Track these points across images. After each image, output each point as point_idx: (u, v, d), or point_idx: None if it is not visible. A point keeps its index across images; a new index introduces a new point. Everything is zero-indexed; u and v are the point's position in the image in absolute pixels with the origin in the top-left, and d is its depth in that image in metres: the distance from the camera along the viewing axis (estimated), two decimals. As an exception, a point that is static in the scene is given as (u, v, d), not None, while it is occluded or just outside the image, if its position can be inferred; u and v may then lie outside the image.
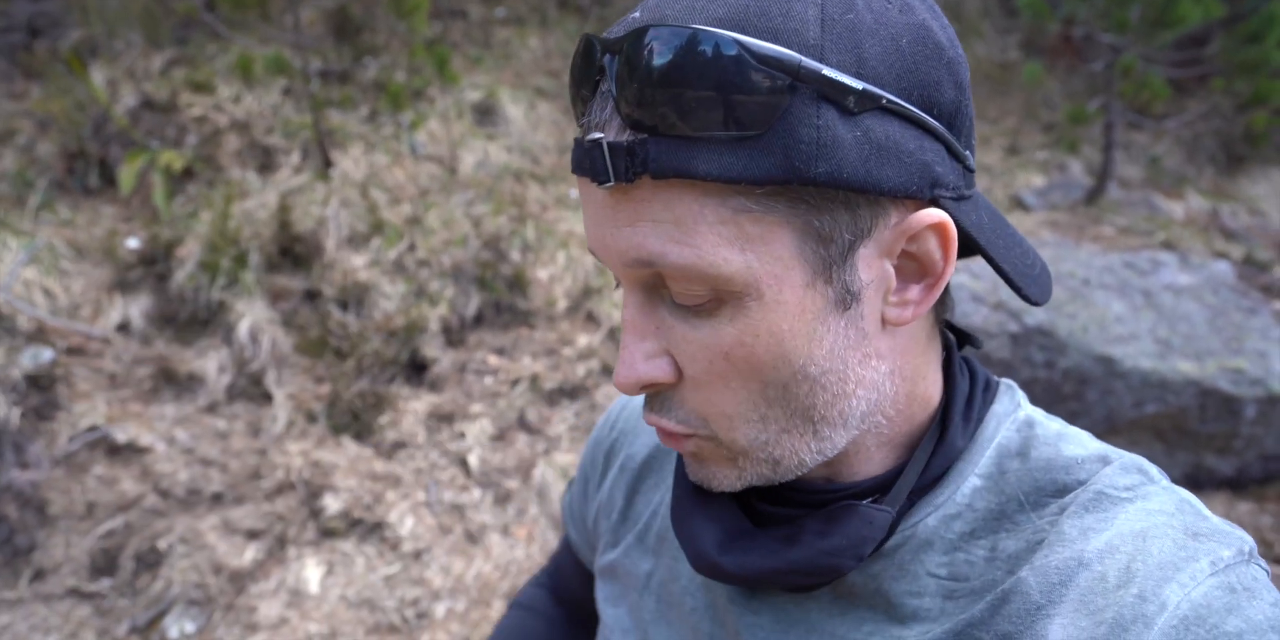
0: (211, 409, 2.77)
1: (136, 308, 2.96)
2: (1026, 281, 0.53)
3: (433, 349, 3.04)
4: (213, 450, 2.62)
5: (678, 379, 0.51)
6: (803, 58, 0.43)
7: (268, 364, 2.88)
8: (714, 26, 0.43)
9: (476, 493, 2.66)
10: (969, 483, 0.55)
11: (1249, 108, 4.40)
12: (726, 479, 0.55)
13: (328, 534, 2.48)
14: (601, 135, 0.46)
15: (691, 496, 0.59)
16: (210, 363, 2.83)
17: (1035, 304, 0.54)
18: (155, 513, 2.43)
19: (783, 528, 0.56)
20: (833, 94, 0.43)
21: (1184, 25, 3.69)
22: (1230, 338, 2.93)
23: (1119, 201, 4.05)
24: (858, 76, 0.44)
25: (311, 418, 2.80)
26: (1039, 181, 4.35)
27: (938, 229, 0.49)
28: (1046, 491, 0.54)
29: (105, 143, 3.58)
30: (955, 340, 0.62)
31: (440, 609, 2.33)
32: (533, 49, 5.01)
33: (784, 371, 0.49)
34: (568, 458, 2.77)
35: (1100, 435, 2.86)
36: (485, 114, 4.32)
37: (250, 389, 2.85)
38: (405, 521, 2.53)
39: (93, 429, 2.56)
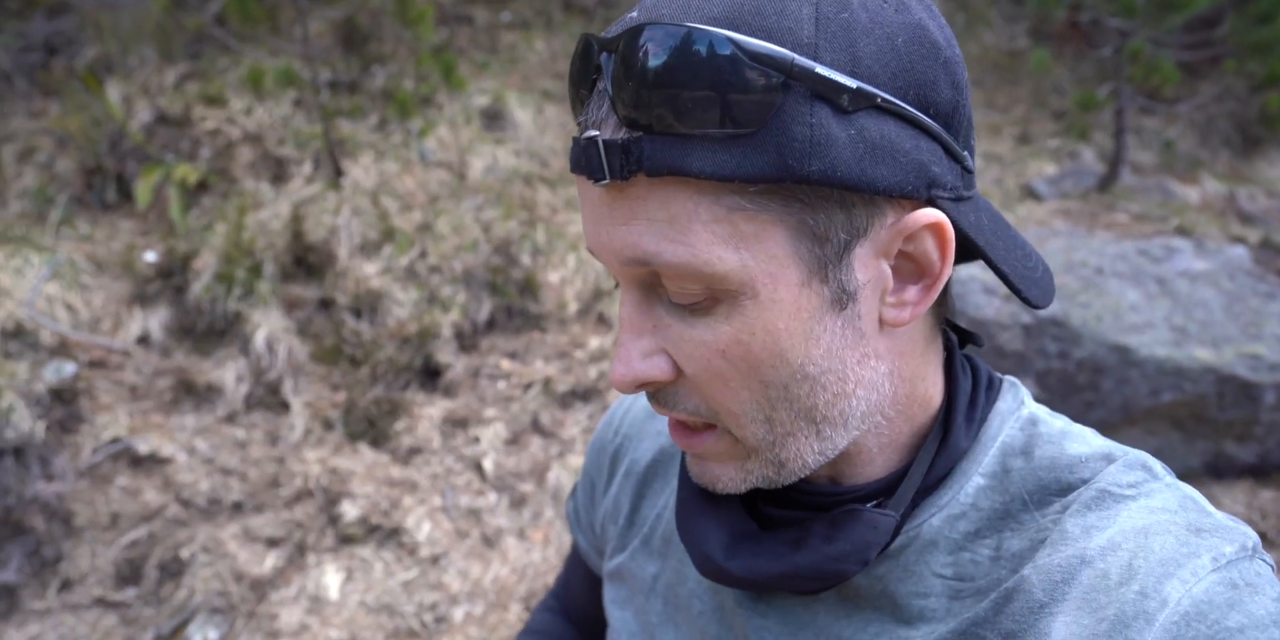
0: (230, 418, 2.81)
1: (155, 320, 3.01)
2: (1027, 284, 0.53)
3: (446, 354, 3.07)
4: (232, 459, 2.66)
5: (676, 377, 0.51)
6: (796, 56, 0.43)
7: (284, 373, 2.92)
8: (709, 25, 0.43)
9: (492, 497, 2.69)
10: (973, 482, 0.55)
11: (1263, 89, 4.34)
12: (731, 480, 0.55)
13: (346, 540, 2.52)
14: (598, 133, 0.46)
15: (697, 499, 0.60)
16: (228, 373, 2.87)
17: (1036, 307, 0.54)
18: (177, 522, 2.48)
19: (788, 531, 0.56)
20: (826, 92, 0.43)
21: (1192, 8, 3.65)
22: (1248, 323, 2.90)
23: (1132, 188, 4.01)
24: (852, 75, 0.44)
25: (328, 425, 2.83)
26: (1051, 170, 4.31)
27: (934, 229, 0.49)
28: (1050, 490, 0.54)
29: (122, 158, 3.64)
30: (957, 339, 0.62)
31: (459, 613, 2.35)
32: (539, 52, 5.04)
33: (782, 371, 0.49)
34: (582, 460, 2.78)
35: (1117, 425, 2.84)
36: (493, 118, 4.35)
37: (268, 398, 2.89)
38: (422, 527, 2.56)
39: (115, 440, 2.61)
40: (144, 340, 2.98)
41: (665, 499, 0.71)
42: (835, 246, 0.47)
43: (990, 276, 3.01)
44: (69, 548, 2.38)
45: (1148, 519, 0.49)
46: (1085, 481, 0.53)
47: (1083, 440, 0.56)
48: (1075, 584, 0.48)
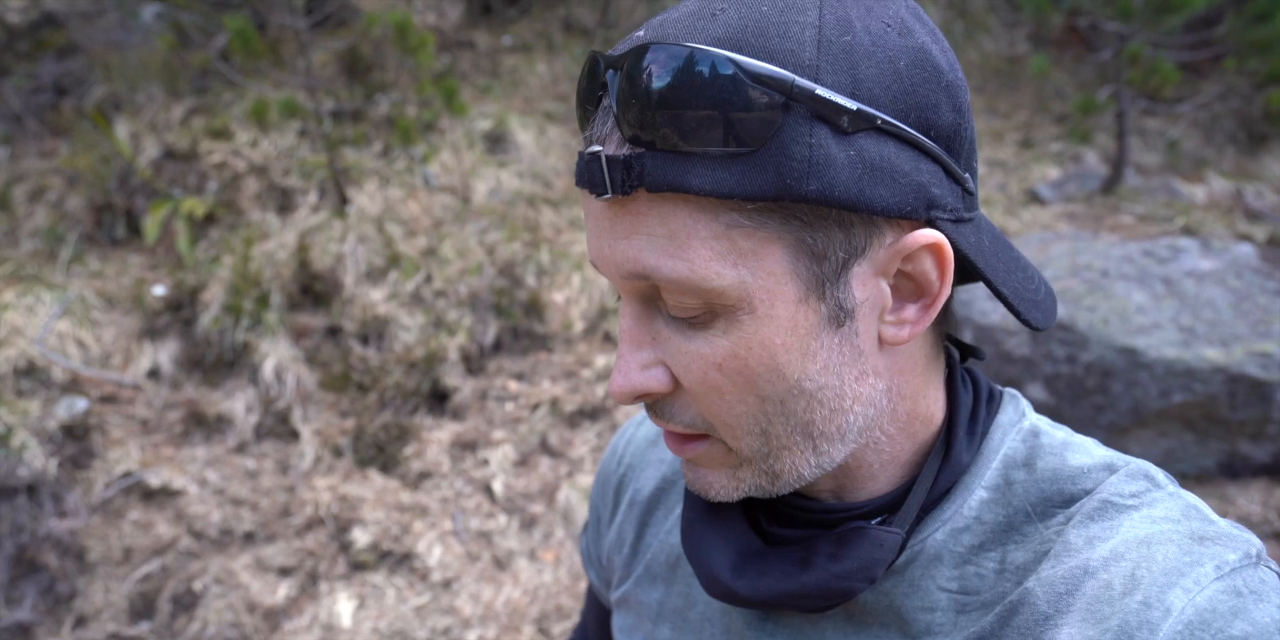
0: (241, 449, 2.83)
1: (165, 354, 3.05)
2: (1027, 306, 0.53)
3: (453, 378, 3.09)
4: (243, 490, 2.68)
5: (674, 389, 0.52)
6: (796, 77, 0.44)
7: (293, 401, 2.94)
8: (712, 45, 0.44)
9: (502, 519, 2.69)
10: (976, 496, 0.55)
11: (1266, 86, 4.31)
12: (723, 488, 0.55)
13: (358, 567, 2.52)
14: (601, 148, 0.47)
15: (702, 520, 0.60)
16: (238, 403, 2.90)
17: (1036, 329, 0.54)
18: (190, 555, 2.49)
19: (794, 550, 0.56)
20: (826, 113, 0.44)
21: (1189, 9, 3.64)
22: (1257, 321, 2.87)
23: (1137, 189, 3.99)
24: (853, 97, 0.45)
25: (338, 452, 2.85)
26: (1054, 174, 4.30)
27: (933, 249, 0.49)
28: (1053, 502, 0.54)
29: (130, 194, 3.70)
30: (958, 354, 0.62)
31: (471, 637, 2.35)
32: (540, 75, 5.08)
33: (779, 386, 0.50)
34: (591, 479, 2.79)
35: (1128, 428, 2.81)
36: (496, 142, 4.39)
37: (277, 427, 2.91)
38: (433, 551, 2.56)
39: (127, 475, 2.63)
40: (154, 374, 3.02)
41: (669, 525, 0.71)
42: (833, 265, 0.48)
43: (994, 283, 3.00)
44: (83, 584, 2.40)
45: (1150, 528, 0.49)
46: (1088, 492, 0.53)
47: (1084, 451, 0.56)
48: (1079, 595, 0.48)
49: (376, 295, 3.32)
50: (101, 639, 2.30)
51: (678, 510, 0.70)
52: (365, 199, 3.79)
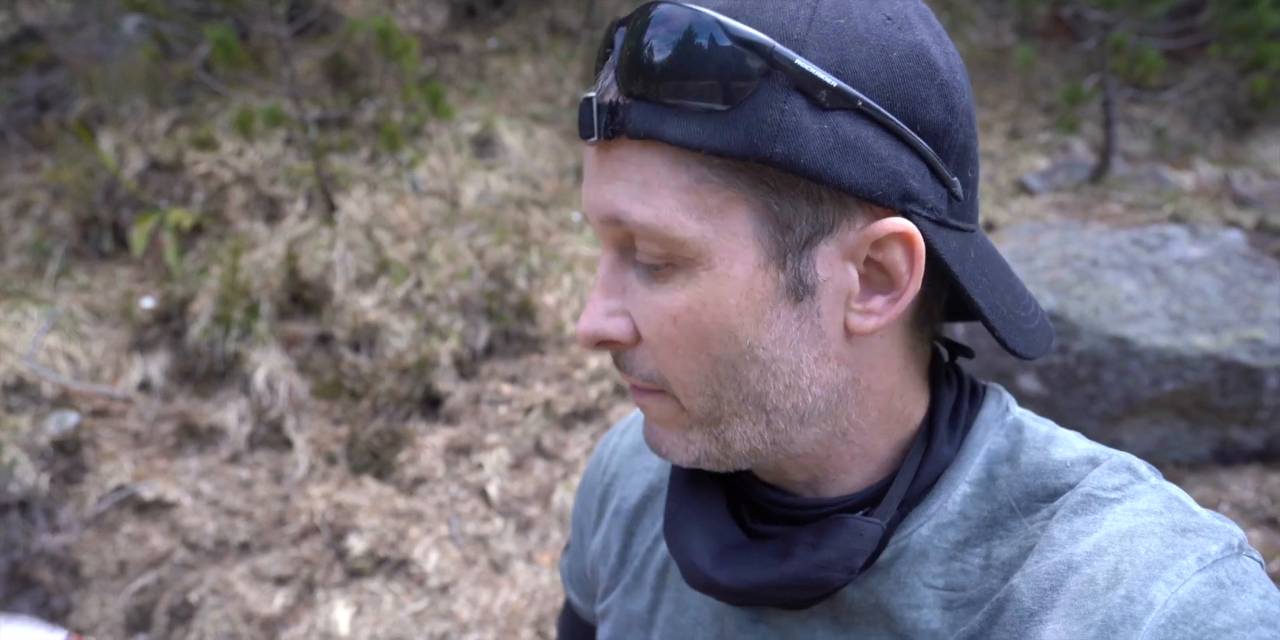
0: (234, 459, 2.82)
1: (155, 366, 3.04)
2: (1009, 328, 0.53)
3: (446, 383, 3.08)
4: (237, 500, 2.67)
5: (635, 341, 0.53)
6: (777, 44, 0.46)
7: (286, 410, 2.94)
8: (713, 11, 0.47)
9: (498, 522, 2.68)
10: (960, 490, 0.55)
11: (1250, 72, 4.32)
12: (674, 446, 0.56)
13: (354, 574, 2.52)
14: (594, 95, 0.50)
15: (686, 510, 0.60)
16: (230, 414, 2.89)
17: (1018, 355, 0.54)
18: (185, 566, 2.49)
19: (775, 543, 0.56)
20: (805, 85, 0.46)
21: (1170, -4, 3.65)
22: (1246, 307, 2.87)
23: (1125, 177, 4.00)
24: (835, 75, 0.46)
25: (331, 460, 2.84)
26: (1042, 164, 4.30)
27: (903, 239, 0.49)
28: (1037, 496, 0.53)
29: (116, 207, 3.69)
30: (947, 353, 0.62)
31: (469, 641, 2.35)
32: (526, 77, 5.08)
33: (731, 348, 0.50)
34: (586, 481, 2.78)
35: (1121, 417, 2.82)
36: (483, 145, 4.38)
37: (270, 436, 2.90)
38: (430, 556, 2.56)
39: (120, 488, 2.62)
40: (145, 386, 3.01)
41: (658, 532, 0.70)
42: (798, 236, 0.49)
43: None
44: (78, 598, 2.39)
45: (1133, 521, 0.49)
46: (1071, 486, 0.53)
47: (1068, 445, 0.56)
48: (1063, 591, 0.48)
49: (367, 302, 3.31)
50: (98, 654, 2.30)
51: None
52: (353, 205, 3.78)
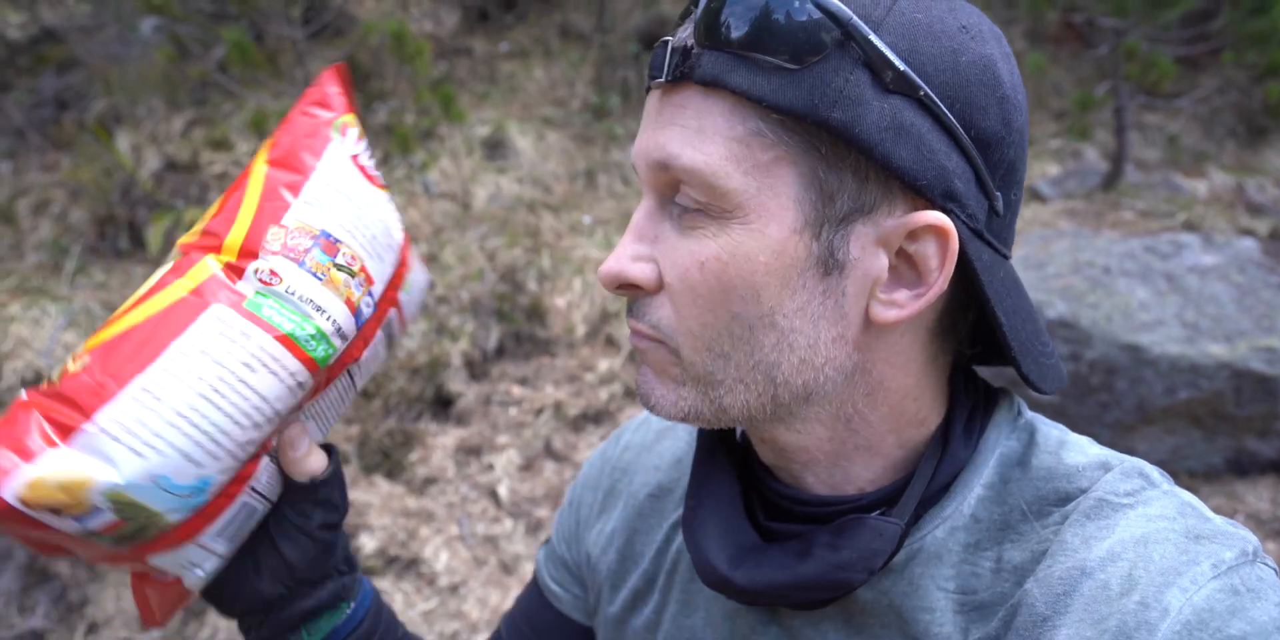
0: (247, 457, 2.84)
1: (170, 364, 3.06)
2: (1027, 355, 0.54)
3: (457, 384, 3.09)
4: (250, 498, 2.69)
5: (657, 289, 0.54)
6: (854, 16, 0.47)
7: (298, 410, 2.95)
8: None
9: (508, 523, 2.69)
10: (974, 493, 0.55)
11: (1264, 79, 4.31)
12: (663, 399, 0.56)
13: (365, 573, 2.53)
14: (671, 39, 0.52)
15: (703, 510, 0.60)
16: (243, 412, 2.91)
17: (1035, 388, 0.54)
18: (198, 563, 2.50)
19: (792, 543, 0.56)
20: (874, 63, 0.48)
21: (1185, 3, 3.64)
22: (1261, 316, 2.86)
23: (1138, 185, 3.99)
24: (904, 62, 0.48)
25: (343, 459, 2.86)
26: (1054, 170, 4.30)
27: (939, 234, 0.50)
28: (1049, 500, 0.54)
29: (133, 206, 3.72)
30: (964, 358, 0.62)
31: (479, 641, 2.35)
32: (538, 80, 5.10)
33: (752, 308, 0.51)
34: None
35: (1134, 426, 2.81)
36: (495, 148, 4.40)
37: (283, 435, 2.92)
38: (440, 556, 2.57)
39: (134, 485, 2.64)
40: (160, 384, 3.03)
41: (663, 534, 0.70)
42: (838, 210, 0.50)
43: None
44: (94, 591, 2.40)
45: (1147, 527, 0.49)
46: (1083, 491, 0.53)
47: (1079, 449, 0.56)
48: (1076, 596, 0.48)
49: (379, 302, 3.32)
50: (111, 649, 2.31)
51: (673, 517, 0.70)
52: (366, 207, 3.79)
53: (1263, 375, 2.70)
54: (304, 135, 0.61)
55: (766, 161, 0.49)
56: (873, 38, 0.47)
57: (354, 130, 0.63)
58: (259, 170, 0.59)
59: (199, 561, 0.57)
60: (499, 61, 5.19)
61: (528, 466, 2.87)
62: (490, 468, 2.85)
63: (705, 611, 0.65)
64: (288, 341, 0.54)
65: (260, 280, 0.54)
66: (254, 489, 0.57)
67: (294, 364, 0.54)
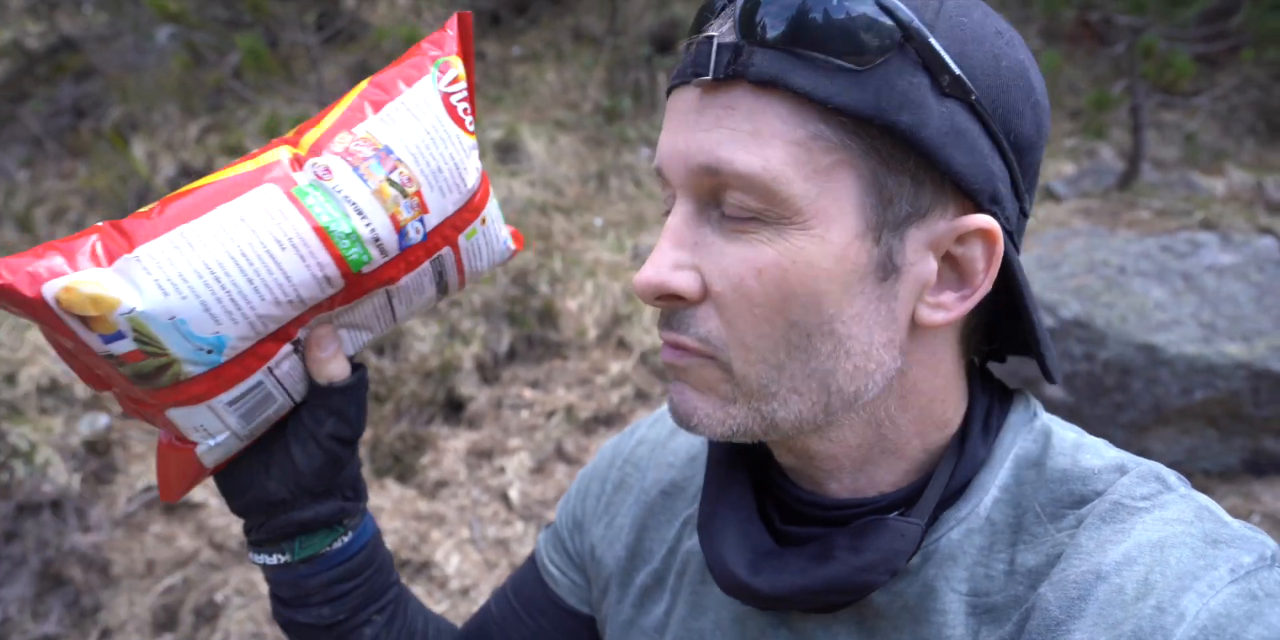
0: (260, 461, 2.86)
1: (184, 368, 3.08)
2: (1049, 351, 0.56)
3: (468, 387, 3.10)
4: (263, 501, 2.70)
5: (701, 299, 0.51)
6: (916, 18, 0.47)
7: (311, 414, 2.97)
8: None
9: (519, 526, 2.69)
10: (990, 495, 0.55)
11: (1284, 76, 4.25)
12: (707, 418, 0.54)
13: (377, 577, 2.54)
14: (715, 34, 0.50)
15: (720, 515, 0.59)
16: (256, 416, 2.93)
17: (1049, 378, 0.56)
18: (211, 566, 2.52)
19: (811, 546, 0.56)
20: (932, 66, 0.47)
21: (1203, 0, 3.60)
22: (1279, 315, 2.82)
23: (1154, 183, 3.95)
24: (957, 65, 0.47)
25: (356, 463, 2.87)
26: (1069, 169, 4.26)
27: (987, 236, 0.50)
28: (1064, 503, 0.53)
29: (149, 212, 3.75)
30: (980, 359, 0.63)
31: (490, 645, 2.35)
32: (550, 84, 5.11)
33: (812, 316, 0.49)
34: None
35: (1150, 426, 2.78)
36: (507, 151, 4.41)
37: (296, 439, 2.94)
38: (451, 559, 2.57)
39: (149, 489, 2.66)
40: (175, 388, 3.05)
41: (675, 531, 0.70)
42: (896, 214, 0.49)
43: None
44: (107, 597, 2.43)
45: (1163, 531, 0.48)
46: (1099, 494, 0.52)
47: (1095, 452, 0.55)
48: (1091, 600, 0.47)
49: (391, 306, 3.34)
50: (125, 652, 2.33)
51: (684, 515, 0.69)
52: (379, 211, 3.81)
53: (1282, 376, 2.66)
54: (408, 65, 0.65)
55: (827, 165, 0.48)
56: (932, 40, 0.47)
57: (455, 71, 0.66)
58: (360, 86, 0.64)
59: (212, 430, 0.59)
60: (511, 65, 5.21)
61: (539, 469, 2.87)
62: (501, 471, 2.85)
63: (714, 614, 0.64)
64: (322, 233, 0.57)
65: (315, 174, 0.59)
66: (272, 371, 0.60)
67: (324, 256, 0.57)
